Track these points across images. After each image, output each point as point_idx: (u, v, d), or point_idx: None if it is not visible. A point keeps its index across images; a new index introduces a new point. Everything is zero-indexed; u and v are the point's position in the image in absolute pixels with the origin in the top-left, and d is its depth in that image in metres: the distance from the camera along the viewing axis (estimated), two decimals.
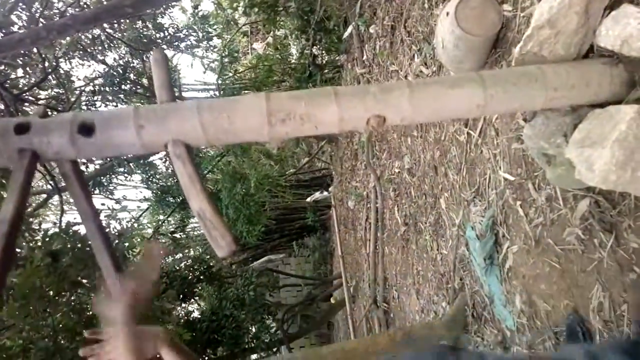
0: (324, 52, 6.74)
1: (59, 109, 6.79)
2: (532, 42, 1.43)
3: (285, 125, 1.30)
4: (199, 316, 6.49)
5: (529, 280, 2.01)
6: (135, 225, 8.18)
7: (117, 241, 4.98)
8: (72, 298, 4.25)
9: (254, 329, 6.62)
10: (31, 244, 4.20)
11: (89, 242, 4.02)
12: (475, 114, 1.40)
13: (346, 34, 5.62)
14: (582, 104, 1.45)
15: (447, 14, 2.09)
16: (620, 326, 1.49)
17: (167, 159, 7.69)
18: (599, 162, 1.26)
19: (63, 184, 6.04)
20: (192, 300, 7.06)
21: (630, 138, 1.21)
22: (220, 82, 7.80)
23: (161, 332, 1.17)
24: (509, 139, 2.12)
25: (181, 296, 6.23)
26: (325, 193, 9.66)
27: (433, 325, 2.89)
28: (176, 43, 8.23)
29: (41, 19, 6.09)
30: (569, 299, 1.74)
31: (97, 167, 8.06)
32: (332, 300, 8.70)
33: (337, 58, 6.60)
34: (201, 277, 6.62)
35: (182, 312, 7.05)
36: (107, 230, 5.40)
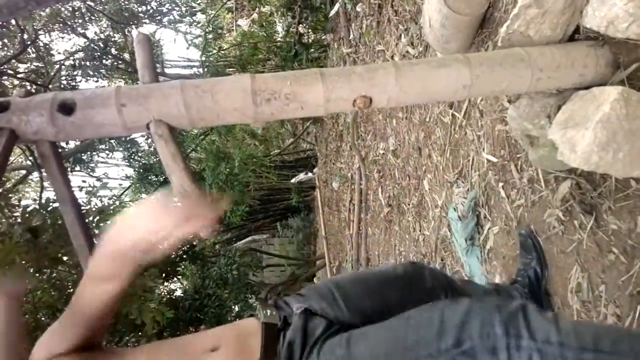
0: (310, 30, 6.66)
1: (39, 82, 6.63)
2: (519, 21, 1.42)
3: (271, 105, 1.28)
4: (182, 295, 6.48)
5: (508, 261, 2.03)
6: (117, 203, 8.08)
7: (97, 218, 4.92)
8: (53, 274, 4.21)
9: (237, 308, 6.65)
10: (10, 220, 4.13)
11: None
12: (461, 95, 1.39)
13: (332, 12, 5.55)
14: (568, 86, 1.44)
15: None
16: (597, 306, 1.51)
17: (149, 137, 7.58)
18: (581, 143, 1.26)
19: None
20: (175, 278, 7.04)
21: (613, 119, 1.21)
22: (204, 59, 7.67)
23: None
24: (493, 120, 2.12)
25: (164, 275, 6.20)
26: (310, 174, 9.65)
27: None
28: (159, 17, 8.06)
29: None
30: (548, 279, 1.76)
31: (78, 143, 7.92)
32: (315, 281, 8.76)
33: (323, 37, 6.53)
34: (184, 256, 6.58)
35: (165, 291, 7.04)
36: (88, 207, 5.34)
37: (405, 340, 1.01)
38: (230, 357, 1.06)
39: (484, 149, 2.21)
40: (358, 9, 4.74)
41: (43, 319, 4.09)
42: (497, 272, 2.13)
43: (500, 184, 2.06)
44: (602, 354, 0.92)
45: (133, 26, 7.90)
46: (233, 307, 6.62)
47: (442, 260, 2.77)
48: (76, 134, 1.20)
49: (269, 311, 1.18)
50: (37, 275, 4.12)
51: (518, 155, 1.92)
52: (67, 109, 1.16)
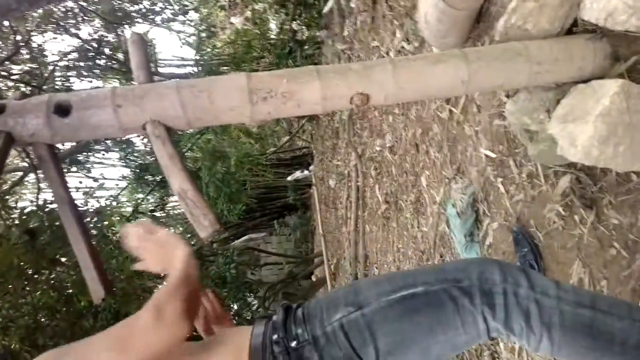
0: (304, 27, 6.61)
1: (33, 84, 6.59)
2: (516, 15, 1.40)
3: (267, 104, 1.26)
4: None
5: (508, 257, 2.02)
6: (114, 203, 8.05)
7: (95, 219, 4.90)
8: (52, 276, 4.20)
9: (235, 307, 6.63)
10: (8, 222, 4.12)
11: None
12: (460, 91, 1.38)
13: (326, 8, 5.52)
14: (566, 80, 1.43)
15: None
16: None
17: (146, 136, 7.55)
18: (581, 137, 1.25)
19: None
20: None
21: (613, 113, 1.20)
22: (198, 57, 7.64)
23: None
24: (491, 115, 2.10)
25: (162, 275, 6.18)
26: (306, 172, 9.64)
27: None
28: (152, 16, 8.01)
29: None
30: (549, 274, 1.75)
31: (74, 144, 7.88)
32: (313, 278, 8.76)
33: (317, 34, 6.49)
34: None
35: None
36: (85, 208, 5.31)
37: (405, 272, 1.08)
38: None
39: (482, 145, 2.20)
40: (352, 4, 4.71)
41: (43, 320, 4.08)
42: None
43: (499, 180, 2.05)
44: (598, 312, 0.96)
45: (126, 26, 7.86)
46: (232, 305, 6.60)
47: (441, 256, 2.76)
48: (72, 136, 1.19)
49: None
50: (36, 276, 4.11)
51: (517, 150, 1.91)
52: (63, 110, 1.15)
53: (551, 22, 1.40)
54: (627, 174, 1.36)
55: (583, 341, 0.96)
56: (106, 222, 5.40)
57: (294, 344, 1.02)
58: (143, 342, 0.90)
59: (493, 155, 2.08)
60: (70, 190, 1.24)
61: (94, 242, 1.28)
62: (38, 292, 4.09)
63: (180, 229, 9.39)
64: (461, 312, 0.97)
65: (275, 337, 1.05)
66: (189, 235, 7.55)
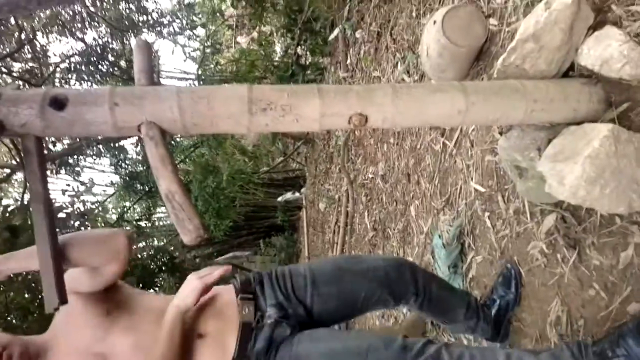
0: (308, 52, 6.73)
1: (32, 82, 6.60)
2: (515, 54, 1.45)
3: (266, 115, 1.28)
4: None
5: (490, 291, 2.03)
6: (100, 209, 7.98)
7: (79, 222, 4.85)
8: (28, 276, 4.13)
9: None
10: None
11: None
12: (456, 121, 1.41)
13: (332, 37, 5.63)
14: (560, 121, 1.47)
15: (435, 22, 2.11)
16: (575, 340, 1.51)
17: (139, 144, 7.54)
18: (569, 176, 1.28)
19: None
20: (152, 290, 6.92)
21: (602, 155, 1.24)
22: (200, 72, 7.70)
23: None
24: (483, 150, 2.14)
25: (141, 285, 6.09)
26: (297, 194, 9.64)
27: (392, 330, 2.90)
28: (158, 28, 8.11)
29: None
30: (527, 311, 1.77)
31: (66, 146, 7.85)
32: None
33: (320, 60, 6.60)
34: (163, 267, 6.49)
35: None
36: (71, 210, 5.26)
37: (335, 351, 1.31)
38: (212, 349, 1.33)
39: (472, 178, 2.23)
40: (357, 35, 4.82)
41: (14, 321, 4.00)
42: None
43: (487, 214, 2.08)
44: None
45: (132, 34, 7.93)
46: None
47: None
48: (65, 130, 1.18)
49: (247, 309, 1.40)
50: (12, 276, 4.04)
51: (505, 187, 1.94)
52: (58, 104, 1.15)
53: (549, 63, 1.45)
54: (611, 216, 1.39)
55: None
56: (89, 226, 5.36)
57: None
58: None
59: (482, 189, 2.12)
60: (48, 188, 1.22)
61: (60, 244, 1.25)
62: (12, 292, 4.01)
63: (165, 240, 9.31)
64: None
65: None
66: (172, 248, 7.49)
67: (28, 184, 1.19)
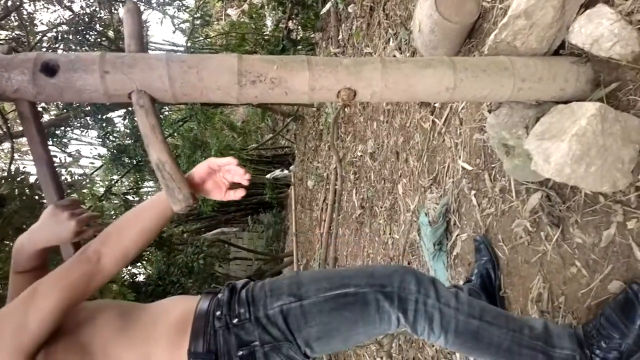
0: (299, 27, 6.64)
1: (19, 51, 6.44)
2: (507, 30, 1.44)
3: (255, 88, 1.27)
4: (144, 280, 6.39)
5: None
6: (87, 181, 7.90)
7: (68, 191, 4.81)
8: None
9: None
10: None
11: (38, 190, 3.89)
12: (444, 98, 1.40)
13: (324, 11, 5.55)
14: (548, 99, 1.47)
15: None
16: (555, 317, 1.54)
17: (127, 116, 7.44)
18: (555, 154, 1.28)
19: (15, 130, 5.78)
20: (139, 263, 6.93)
21: (588, 134, 1.24)
22: (189, 44, 7.58)
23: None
24: (472, 129, 2.14)
25: None
26: (286, 171, 9.64)
27: None
28: None
29: None
30: (510, 287, 1.79)
31: (53, 117, 7.72)
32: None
33: (312, 35, 6.52)
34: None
35: (127, 275, 6.92)
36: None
37: (340, 273, 1.31)
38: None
39: (460, 157, 2.24)
40: (350, 9, 4.75)
41: (1, 291, 3.98)
42: (461, 279, 2.16)
43: (473, 192, 2.09)
44: (484, 322, 1.27)
45: (120, 4, 7.74)
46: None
47: (408, 263, 2.79)
48: (56, 96, 1.18)
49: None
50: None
51: (492, 165, 1.95)
52: (49, 70, 1.14)
53: (539, 41, 1.44)
54: (595, 195, 1.41)
55: (469, 343, 1.27)
56: (77, 197, 5.31)
57: (235, 321, 1.22)
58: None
59: (470, 167, 2.12)
60: (49, 148, 1.24)
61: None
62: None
63: None
64: (380, 312, 1.24)
65: (218, 313, 1.24)
66: None
67: (29, 149, 1.21)
